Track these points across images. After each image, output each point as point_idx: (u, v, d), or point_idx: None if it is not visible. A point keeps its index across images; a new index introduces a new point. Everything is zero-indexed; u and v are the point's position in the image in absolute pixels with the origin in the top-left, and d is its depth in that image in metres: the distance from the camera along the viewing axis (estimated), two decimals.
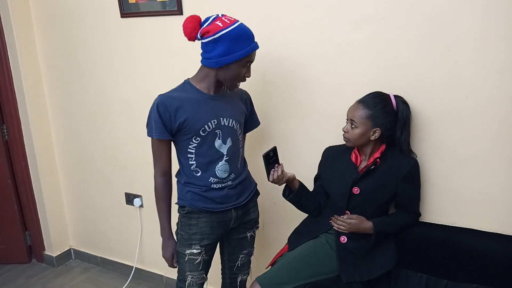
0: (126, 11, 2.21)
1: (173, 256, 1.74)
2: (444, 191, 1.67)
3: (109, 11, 2.27)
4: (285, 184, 1.70)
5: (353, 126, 1.58)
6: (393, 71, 1.66)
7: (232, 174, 1.67)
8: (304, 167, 1.89)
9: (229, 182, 1.66)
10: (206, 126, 1.58)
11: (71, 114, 2.65)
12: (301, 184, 1.72)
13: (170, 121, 1.55)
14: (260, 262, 1.98)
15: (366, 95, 1.60)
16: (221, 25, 1.49)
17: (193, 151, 1.61)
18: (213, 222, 1.67)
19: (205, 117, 1.58)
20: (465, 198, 1.64)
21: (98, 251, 2.88)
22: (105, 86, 2.45)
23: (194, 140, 1.59)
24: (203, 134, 1.59)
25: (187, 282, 1.71)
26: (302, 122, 1.91)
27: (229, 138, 1.64)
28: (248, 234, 1.81)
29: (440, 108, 1.61)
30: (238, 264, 1.85)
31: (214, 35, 1.49)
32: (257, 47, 1.56)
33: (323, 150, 1.77)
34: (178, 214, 1.72)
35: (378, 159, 1.59)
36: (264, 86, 1.95)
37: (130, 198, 2.57)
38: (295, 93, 1.90)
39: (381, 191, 1.61)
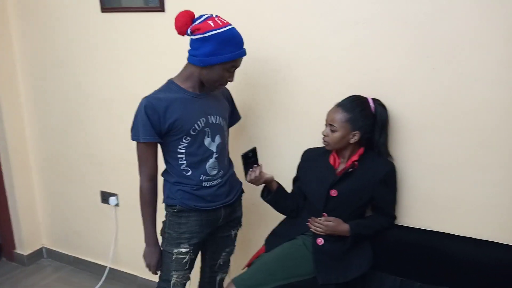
0: (107, 5, 2.17)
1: (158, 263, 1.70)
2: (420, 195, 1.70)
3: (89, 5, 2.22)
4: (263, 184, 1.69)
5: (332, 129, 1.59)
6: (374, 76, 1.68)
7: (221, 171, 1.67)
8: (284, 168, 1.88)
9: (219, 180, 1.66)
10: (196, 125, 1.58)
11: (47, 109, 2.58)
12: (279, 186, 1.72)
13: (159, 122, 1.53)
14: (237, 263, 1.96)
15: (345, 99, 1.62)
16: (213, 25, 1.48)
17: (183, 151, 1.60)
18: (203, 220, 1.66)
19: (194, 116, 1.58)
20: (440, 202, 1.67)
21: (71, 250, 2.81)
22: (84, 82, 2.40)
23: (184, 140, 1.58)
24: (194, 133, 1.58)
25: (171, 282, 1.68)
26: (283, 123, 1.92)
27: (218, 135, 1.65)
28: (233, 233, 1.82)
29: (418, 113, 1.63)
30: (220, 262, 1.84)
31: (203, 34, 1.48)
32: (244, 54, 1.56)
33: (302, 152, 1.78)
34: (165, 213, 1.69)
35: (356, 162, 1.60)
36: (246, 86, 1.94)
37: (105, 197, 2.52)
38: (276, 95, 1.90)
39: (358, 194, 1.62)
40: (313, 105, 1.82)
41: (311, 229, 1.64)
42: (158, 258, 1.69)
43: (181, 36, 1.57)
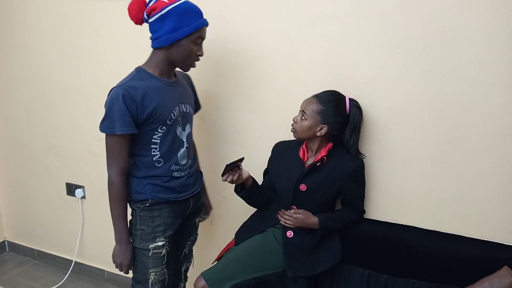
0: None
1: (131, 262, 1.63)
2: (388, 190, 1.72)
3: None
4: None
5: (303, 117, 1.59)
6: (345, 70, 1.68)
7: (190, 160, 1.66)
8: (254, 161, 1.87)
9: (188, 170, 1.65)
10: (172, 114, 1.54)
11: (7, 98, 2.48)
12: (253, 181, 1.70)
13: (137, 112, 1.46)
14: (207, 257, 1.95)
15: (323, 91, 1.62)
16: (167, 1, 1.44)
17: (158, 141, 1.55)
18: (175, 211, 1.64)
19: (170, 104, 1.54)
20: (407, 197, 1.70)
21: (35, 244, 2.72)
22: (46, 70, 2.31)
23: (159, 130, 1.53)
24: (169, 123, 1.54)
25: (150, 281, 1.62)
26: (255, 116, 1.90)
27: (188, 125, 1.63)
28: (197, 220, 1.82)
29: (387, 109, 1.65)
30: (185, 251, 1.83)
31: (160, 11, 1.44)
32: (207, 23, 1.52)
33: (273, 145, 1.77)
34: (135, 210, 1.62)
35: (324, 157, 1.61)
36: (218, 78, 1.91)
37: (71, 189, 2.44)
38: (248, 87, 1.88)
39: (327, 189, 1.63)
40: (285, 99, 1.81)
41: (281, 222, 1.65)
42: (131, 257, 1.62)
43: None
